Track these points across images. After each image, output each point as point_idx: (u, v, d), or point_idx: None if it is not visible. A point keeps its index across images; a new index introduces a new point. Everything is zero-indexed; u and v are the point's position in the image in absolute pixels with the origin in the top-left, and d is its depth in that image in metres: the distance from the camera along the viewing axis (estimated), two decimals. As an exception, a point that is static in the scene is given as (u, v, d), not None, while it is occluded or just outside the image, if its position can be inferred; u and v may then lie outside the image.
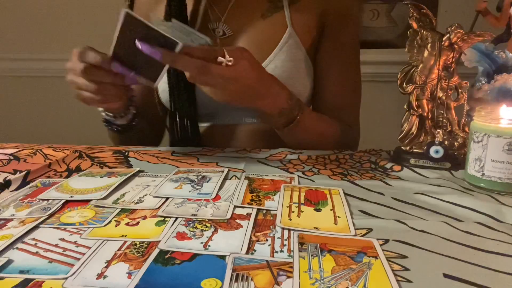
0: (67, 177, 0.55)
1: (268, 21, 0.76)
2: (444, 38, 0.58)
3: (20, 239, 0.37)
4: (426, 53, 0.60)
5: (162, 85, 0.78)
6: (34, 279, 0.31)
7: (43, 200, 0.46)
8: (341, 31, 0.79)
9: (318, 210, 0.44)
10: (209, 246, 0.36)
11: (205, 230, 0.39)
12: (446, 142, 0.60)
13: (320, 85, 0.80)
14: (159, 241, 0.36)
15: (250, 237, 0.37)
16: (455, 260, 0.34)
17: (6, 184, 0.51)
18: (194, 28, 0.77)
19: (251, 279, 0.31)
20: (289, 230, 0.39)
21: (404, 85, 0.61)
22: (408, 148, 0.62)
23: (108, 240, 0.37)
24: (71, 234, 0.38)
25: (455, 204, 0.46)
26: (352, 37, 0.81)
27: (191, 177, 0.54)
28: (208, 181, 0.53)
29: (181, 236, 0.38)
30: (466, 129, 0.60)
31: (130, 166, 0.60)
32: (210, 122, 0.81)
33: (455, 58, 0.59)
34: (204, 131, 0.82)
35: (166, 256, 0.34)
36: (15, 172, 0.56)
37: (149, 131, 0.83)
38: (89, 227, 0.39)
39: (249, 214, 0.43)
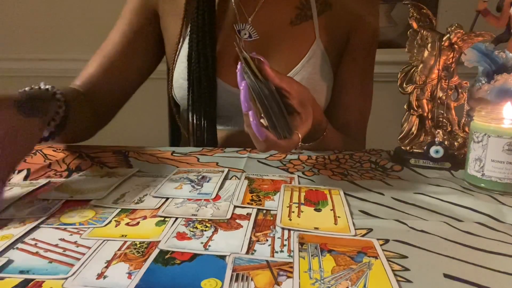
0: (67, 177, 0.55)
1: (296, 29, 0.74)
2: (444, 38, 0.58)
3: (20, 239, 0.37)
4: (426, 53, 0.60)
5: (179, 80, 0.76)
6: (34, 279, 0.31)
7: (43, 200, 0.46)
8: (366, 46, 0.79)
9: (318, 210, 0.44)
10: (209, 246, 0.36)
11: (205, 230, 0.39)
12: (446, 142, 0.60)
13: (336, 98, 0.79)
14: (159, 241, 0.36)
15: (250, 237, 0.37)
16: (455, 260, 0.34)
17: None
18: (220, 28, 0.75)
19: (251, 279, 0.31)
20: (289, 230, 0.39)
21: (404, 85, 0.61)
22: (408, 148, 0.62)
23: (108, 240, 0.37)
24: (71, 234, 0.38)
25: (455, 204, 0.46)
26: (373, 50, 0.81)
27: (191, 177, 0.54)
28: (208, 181, 0.53)
29: (181, 236, 0.38)
30: (466, 129, 0.60)
31: (130, 166, 0.60)
32: (225, 126, 0.79)
33: (455, 58, 0.59)
34: (222, 137, 0.80)
35: (166, 256, 0.34)
36: (14, 172, 0.56)
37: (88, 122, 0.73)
38: (89, 227, 0.39)
39: (249, 214, 0.43)
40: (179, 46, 0.76)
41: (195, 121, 0.75)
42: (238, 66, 0.50)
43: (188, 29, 0.74)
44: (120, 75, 0.77)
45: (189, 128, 0.77)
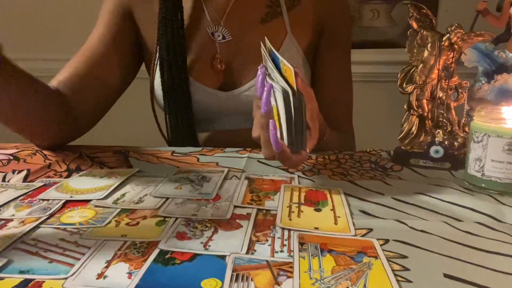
0: (67, 177, 0.55)
1: (268, 26, 0.75)
2: (444, 38, 0.58)
3: (20, 239, 0.37)
4: (426, 53, 0.60)
5: (158, 90, 0.76)
6: (34, 279, 0.31)
7: (43, 200, 0.46)
8: (344, 40, 0.80)
9: (318, 210, 0.44)
10: (209, 246, 0.36)
11: (205, 230, 0.39)
12: (446, 142, 0.60)
13: (322, 93, 0.79)
14: (159, 241, 0.36)
15: (250, 237, 0.37)
16: (455, 260, 0.34)
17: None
18: (193, 32, 0.76)
19: (251, 279, 0.31)
20: (289, 230, 0.39)
21: (404, 85, 0.61)
22: (408, 148, 0.62)
23: (108, 240, 0.37)
24: (71, 234, 0.38)
25: (455, 204, 0.46)
26: (349, 40, 0.82)
27: (191, 177, 0.54)
28: (208, 181, 0.53)
29: (181, 236, 0.38)
30: (466, 129, 0.60)
31: (130, 166, 0.60)
32: (210, 128, 0.80)
33: (455, 58, 0.59)
34: (205, 138, 0.81)
35: (166, 256, 0.34)
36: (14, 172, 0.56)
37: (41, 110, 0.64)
38: (89, 227, 0.39)
39: (249, 214, 0.43)
40: (156, 56, 0.76)
41: (173, 127, 0.77)
42: (259, 71, 0.49)
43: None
44: (99, 78, 0.73)
45: (169, 134, 0.78)
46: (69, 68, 0.72)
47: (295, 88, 0.43)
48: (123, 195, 0.48)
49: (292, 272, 0.32)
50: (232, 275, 0.31)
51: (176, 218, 0.41)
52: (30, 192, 0.49)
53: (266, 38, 0.51)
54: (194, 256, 0.34)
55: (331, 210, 0.44)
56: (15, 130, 0.63)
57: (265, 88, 0.46)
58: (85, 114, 0.72)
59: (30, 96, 0.61)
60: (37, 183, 0.52)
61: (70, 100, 0.68)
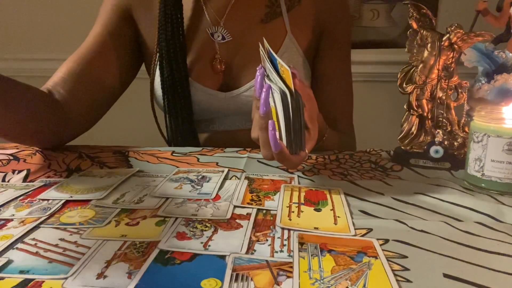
0: (67, 177, 0.55)
1: (268, 27, 0.75)
2: (444, 38, 0.58)
3: (20, 239, 0.37)
4: (426, 53, 0.60)
5: (158, 90, 0.76)
6: (34, 279, 0.31)
7: (43, 200, 0.46)
8: (345, 40, 0.81)
9: (318, 210, 0.44)
10: (209, 246, 0.36)
11: (205, 230, 0.39)
12: (446, 142, 0.60)
13: (322, 93, 0.79)
14: (159, 241, 0.36)
15: (250, 237, 0.37)
16: (455, 260, 0.34)
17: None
18: (193, 32, 0.76)
19: (251, 279, 0.31)
20: (289, 230, 0.39)
21: (404, 85, 0.61)
22: (408, 148, 0.62)
23: (108, 240, 0.37)
24: (71, 234, 0.38)
25: (455, 204, 0.46)
26: (348, 40, 0.82)
27: (191, 177, 0.54)
28: (208, 181, 0.53)
29: (181, 236, 0.38)
30: (466, 129, 0.60)
31: (130, 166, 0.60)
32: (210, 128, 0.80)
33: (455, 58, 0.59)
34: (205, 138, 0.81)
35: (166, 256, 0.34)
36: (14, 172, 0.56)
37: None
38: (89, 227, 0.39)
39: (249, 214, 0.43)
40: (156, 57, 0.76)
41: (173, 127, 0.76)
42: (258, 72, 0.49)
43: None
44: (95, 78, 0.72)
45: (169, 135, 0.78)
46: (64, 68, 0.70)
47: (293, 89, 0.43)
48: (123, 195, 0.48)
49: (291, 272, 0.32)
50: (232, 275, 0.31)
51: (176, 218, 0.41)
52: (30, 192, 0.49)
53: (264, 39, 0.51)
54: (194, 256, 0.34)
55: (331, 210, 0.44)
56: (4, 138, 0.61)
57: (264, 89, 0.46)
58: (81, 115, 0.70)
59: (12, 104, 0.56)
60: (37, 183, 0.52)
61: (65, 101, 0.67)
